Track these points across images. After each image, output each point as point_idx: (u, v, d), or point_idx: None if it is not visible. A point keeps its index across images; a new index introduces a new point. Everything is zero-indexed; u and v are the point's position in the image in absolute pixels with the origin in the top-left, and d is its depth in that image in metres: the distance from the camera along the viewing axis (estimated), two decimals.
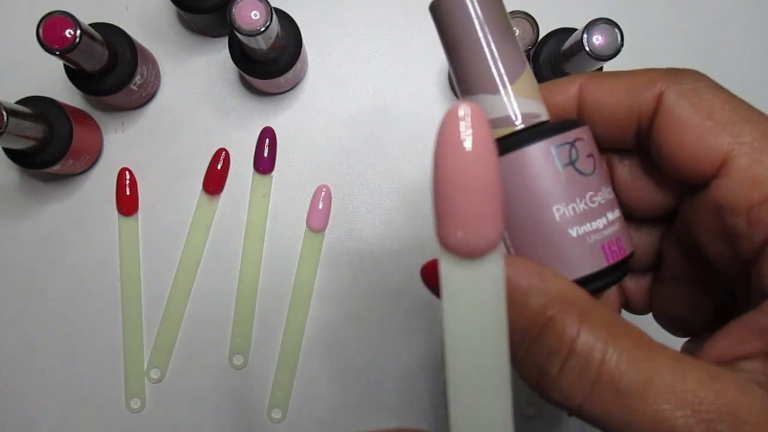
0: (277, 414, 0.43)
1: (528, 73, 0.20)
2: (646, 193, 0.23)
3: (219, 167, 0.44)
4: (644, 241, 0.24)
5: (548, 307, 0.18)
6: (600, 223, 0.20)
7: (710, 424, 0.16)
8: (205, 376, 0.43)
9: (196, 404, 0.43)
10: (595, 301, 0.18)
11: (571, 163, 0.20)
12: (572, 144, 0.20)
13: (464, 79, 0.21)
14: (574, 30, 0.39)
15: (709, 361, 0.19)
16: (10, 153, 0.39)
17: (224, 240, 0.44)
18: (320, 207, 0.44)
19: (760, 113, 0.19)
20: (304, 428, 0.43)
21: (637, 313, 0.26)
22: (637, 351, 0.17)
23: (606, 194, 0.20)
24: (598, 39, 0.36)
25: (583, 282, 0.20)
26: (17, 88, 0.41)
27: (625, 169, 0.23)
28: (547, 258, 0.20)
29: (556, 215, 0.20)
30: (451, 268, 0.15)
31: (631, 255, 0.21)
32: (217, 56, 0.45)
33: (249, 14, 0.35)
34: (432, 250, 0.44)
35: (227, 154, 0.44)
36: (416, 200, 0.44)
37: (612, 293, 0.25)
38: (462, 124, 0.14)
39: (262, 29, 0.35)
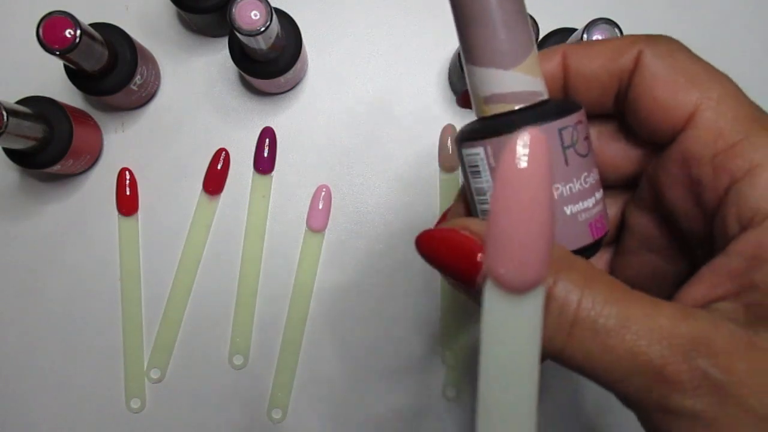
0: (277, 414, 0.43)
1: (535, 51, 0.21)
2: (611, 159, 0.24)
3: (219, 167, 0.44)
4: (610, 212, 0.25)
5: None
6: (590, 202, 0.21)
7: (686, 355, 0.16)
8: (205, 376, 0.43)
9: (196, 404, 0.43)
10: (572, 256, 0.19)
11: (572, 145, 0.20)
12: (574, 127, 0.20)
13: (474, 50, 0.21)
14: (574, 30, 0.39)
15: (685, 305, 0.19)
16: (10, 153, 0.39)
17: (224, 240, 0.44)
18: (320, 207, 0.44)
19: (727, 76, 0.21)
20: (304, 428, 0.43)
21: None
22: (613, 294, 0.17)
23: (595, 174, 0.21)
24: (598, 39, 0.36)
25: (588, 248, 0.21)
26: (17, 88, 0.41)
27: (593, 133, 0.24)
28: None
29: (554, 194, 0.20)
30: (496, 300, 0.15)
31: (605, 236, 0.22)
32: (217, 56, 0.45)
33: (249, 14, 0.35)
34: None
35: (227, 154, 0.44)
36: (416, 200, 0.44)
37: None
38: (528, 164, 0.14)
39: (262, 29, 0.35)
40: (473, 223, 0.19)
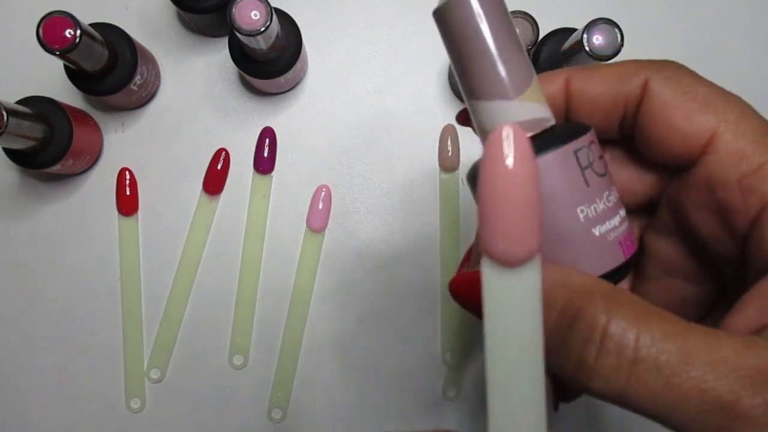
0: (277, 414, 0.43)
1: (536, 78, 0.21)
2: (626, 183, 0.24)
3: (219, 167, 0.44)
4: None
5: (575, 300, 0.18)
6: (616, 220, 0.21)
7: (757, 387, 0.16)
8: (205, 376, 0.43)
9: (196, 404, 0.43)
10: (618, 289, 0.18)
11: (590, 165, 0.20)
12: (588, 147, 0.20)
13: (473, 85, 0.20)
14: (574, 30, 0.39)
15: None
16: (10, 153, 0.39)
17: (224, 240, 0.44)
18: (320, 207, 0.44)
19: (738, 97, 0.20)
20: (304, 428, 0.43)
21: None
22: (669, 328, 0.17)
23: (615, 192, 0.21)
24: (598, 39, 0.36)
25: (605, 278, 0.20)
26: (17, 88, 0.41)
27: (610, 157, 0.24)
28: (571, 256, 0.20)
29: (580, 216, 0.20)
30: (493, 275, 0.16)
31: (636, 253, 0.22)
32: (217, 56, 0.45)
33: (249, 14, 0.35)
34: (433, 251, 0.44)
35: (227, 154, 0.44)
36: (416, 200, 0.44)
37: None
38: (505, 144, 0.15)
39: (262, 29, 0.35)
40: None
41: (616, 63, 0.22)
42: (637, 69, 0.21)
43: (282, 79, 0.41)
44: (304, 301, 0.43)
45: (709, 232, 0.21)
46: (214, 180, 0.44)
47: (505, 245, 0.16)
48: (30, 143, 0.37)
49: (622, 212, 0.21)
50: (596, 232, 0.20)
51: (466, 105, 0.21)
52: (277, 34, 0.38)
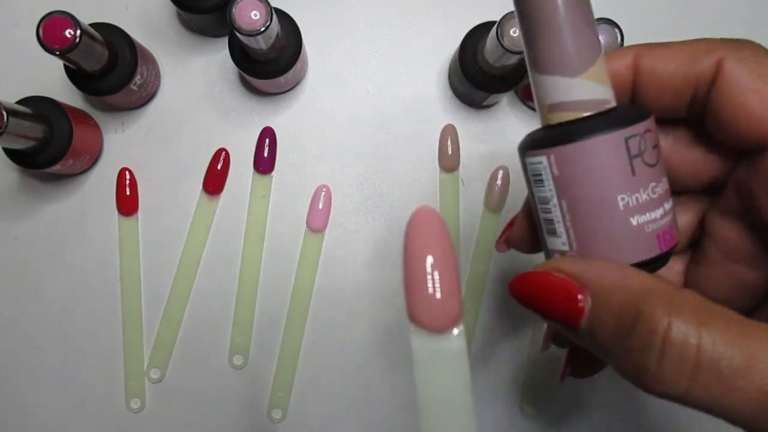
0: (277, 414, 0.43)
1: (602, 57, 0.20)
2: (691, 164, 0.23)
3: (219, 167, 0.44)
4: (684, 220, 0.24)
5: (635, 303, 0.18)
6: (658, 213, 0.20)
7: None
8: (205, 376, 0.43)
9: (196, 404, 0.43)
10: (679, 289, 0.18)
11: (640, 154, 0.20)
12: (642, 135, 0.20)
13: (540, 58, 0.20)
14: None
15: None
16: (10, 153, 0.39)
17: (224, 240, 0.44)
18: (320, 207, 0.44)
19: None
20: (304, 428, 0.43)
21: None
22: (732, 331, 0.17)
23: (664, 184, 0.21)
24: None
25: (637, 267, 0.20)
26: (17, 88, 0.41)
27: (668, 140, 0.23)
28: (605, 242, 0.20)
29: (620, 204, 0.20)
30: (420, 340, 0.18)
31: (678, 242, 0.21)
32: (217, 56, 0.45)
33: (249, 14, 0.35)
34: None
35: (227, 154, 0.44)
36: (416, 200, 0.44)
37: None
38: (423, 231, 0.18)
39: (262, 29, 0.35)
40: (565, 264, 0.19)
41: (688, 41, 0.22)
42: (710, 47, 0.21)
43: (282, 79, 0.41)
44: (304, 301, 0.43)
45: None
46: (214, 180, 0.44)
47: (429, 317, 0.18)
48: (30, 143, 0.37)
49: (667, 205, 0.21)
50: (634, 221, 0.20)
51: (529, 77, 0.21)
52: (277, 34, 0.38)
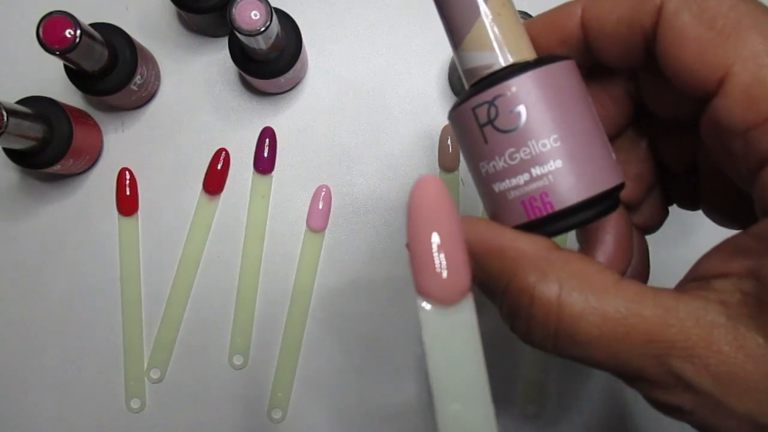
0: (277, 414, 0.43)
1: (480, 24, 0.20)
2: (671, 101, 0.22)
3: (219, 167, 0.44)
4: (681, 143, 0.24)
5: (507, 268, 0.19)
6: (521, 179, 0.20)
7: (661, 359, 0.17)
8: (205, 376, 0.43)
9: (196, 404, 0.43)
10: (551, 251, 0.19)
11: (490, 122, 0.20)
12: (491, 103, 0.20)
13: (447, 34, 0.22)
14: None
15: (691, 277, 0.19)
16: (10, 153, 0.39)
17: (224, 240, 0.44)
18: (320, 207, 0.44)
19: None
20: (304, 428, 0.43)
21: (688, 209, 0.26)
22: (593, 296, 0.17)
23: (535, 147, 0.20)
24: None
25: (537, 225, 0.20)
26: (17, 88, 0.41)
27: (647, 78, 0.22)
28: (488, 206, 0.21)
29: (482, 171, 0.21)
30: (431, 314, 0.18)
31: (581, 205, 0.20)
32: (217, 56, 0.45)
33: (249, 14, 0.35)
34: None
35: (227, 154, 0.44)
36: None
37: (654, 199, 0.25)
38: (428, 197, 0.18)
39: (262, 29, 0.35)
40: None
41: None
42: None
43: (282, 79, 0.41)
44: (304, 301, 0.43)
45: (727, 168, 0.19)
46: (214, 180, 0.44)
47: (438, 290, 0.17)
48: (30, 143, 0.37)
49: (539, 169, 0.20)
50: (496, 188, 0.20)
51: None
52: (277, 34, 0.38)
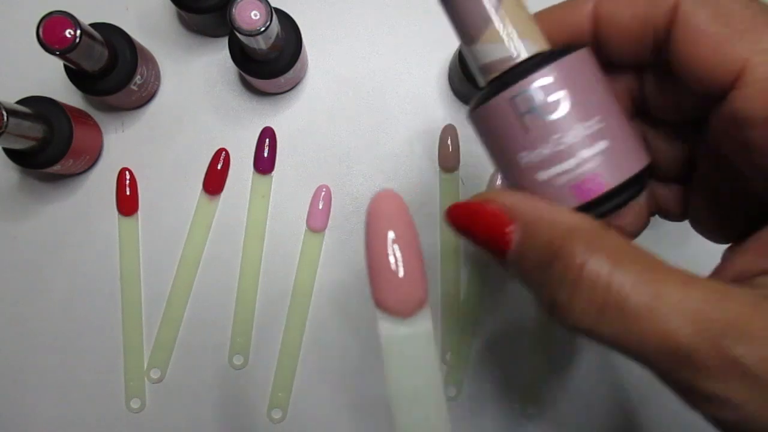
0: (277, 414, 0.43)
1: (502, 16, 0.20)
2: (673, 102, 0.22)
3: (219, 167, 0.44)
4: (677, 148, 0.24)
5: (557, 239, 0.18)
6: (570, 164, 0.20)
7: (715, 340, 0.16)
8: (205, 376, 0.43)
9: (196, 404, 0.43)
10: (603, 229, 0.18)
11: (531, 110, 0.20)
12: (530, 91, 0.20)
13: (456, 31, 0.22)
14: None
15: (728, 278, 0.19)
16: (10, 153, 0.39)
17: (224, 240, 0.44)
18: (320, 207, 0.44)
19: None
20: (304, 428, 0.43)
21: (673, 220, 0.26)
22: (645, 273, 0.17)
23: (581, 131, 0.20)
24: None
25: (585, 208, 0.20)
26: (17, 88, 0.41)
27: (651, 78, 0.22)
28: None
29: (521, 163, 0.20)
30: (388, 325, 0.19)
31: (625, 185, 0.20)
32: (217, 56, 0.45)
33: (249, 14, 0.35)
34: (433, 251, 0.44)
35: (227, 154, 0.44)
36: (416, 200, 0.44)
37: (639, 204, 0.25)
38: (384, 211, 0.19)
39: (262, 29, 0.35)
40: (500, 195, 0.19)
41: None
42: None
43: (282, 79, 0.41)
44: (303, 301, 0.43)
45: (741, 165, 0.20)
46: (214, 180, 0.44)
47: (395, 302, 0.18)
48: (30, 143, 0.37)
49: (587, 151, 0.20)
50: (539, 177, 0.20)
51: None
52: (277, 34, 0.38)
